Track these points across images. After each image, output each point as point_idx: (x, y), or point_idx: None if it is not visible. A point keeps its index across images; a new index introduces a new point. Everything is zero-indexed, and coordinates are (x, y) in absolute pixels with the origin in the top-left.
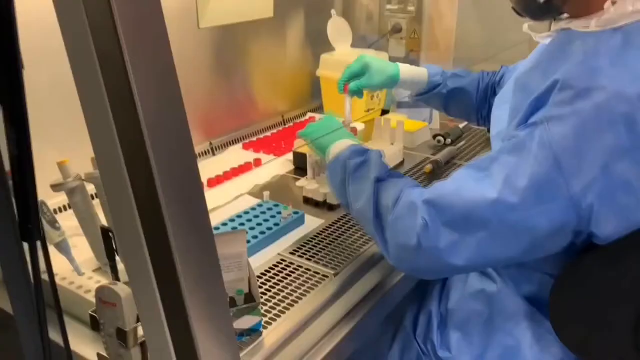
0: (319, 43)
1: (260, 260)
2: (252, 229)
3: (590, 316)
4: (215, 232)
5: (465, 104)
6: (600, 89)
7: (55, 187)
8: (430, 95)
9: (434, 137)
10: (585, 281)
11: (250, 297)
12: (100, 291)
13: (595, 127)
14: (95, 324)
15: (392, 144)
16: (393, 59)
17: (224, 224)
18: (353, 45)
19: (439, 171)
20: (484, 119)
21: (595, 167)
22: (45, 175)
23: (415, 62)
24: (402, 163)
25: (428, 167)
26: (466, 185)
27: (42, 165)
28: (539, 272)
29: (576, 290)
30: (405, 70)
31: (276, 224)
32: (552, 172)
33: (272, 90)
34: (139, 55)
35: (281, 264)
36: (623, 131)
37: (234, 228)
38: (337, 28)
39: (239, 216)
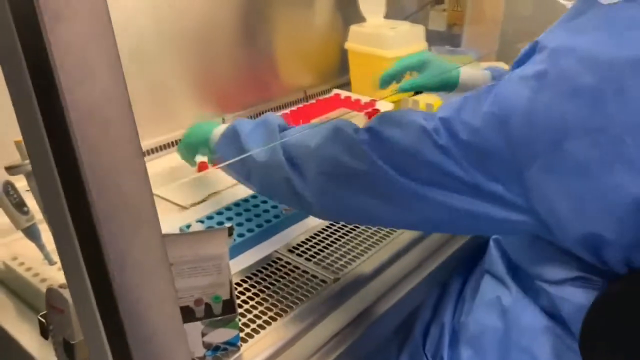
0: (349, 12)
1: (253, 258)
2: (248, 220)
3: (633, 346)
4: (207, 221)
5: None
6: (570, 50)
7: (10, 170)
8: None
9: None
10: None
11: (229, 306)
12: (49, 293)
13: (554, 95)
14: (44, 330)
15: None
16: (432, 33)
17: (219, 213)
18: (387, 16)
19: None
20: None
21: (546, 142)
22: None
23: (456, 37)
24: None
25: None
26: (413, 119)
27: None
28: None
29: (617, 314)
30: (467, 73)
31: (276, 216)
32: (496, 134)
33: (295, 62)
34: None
35: (276, 263)
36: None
37: (229, 218)
38: None
39: (237, 204)
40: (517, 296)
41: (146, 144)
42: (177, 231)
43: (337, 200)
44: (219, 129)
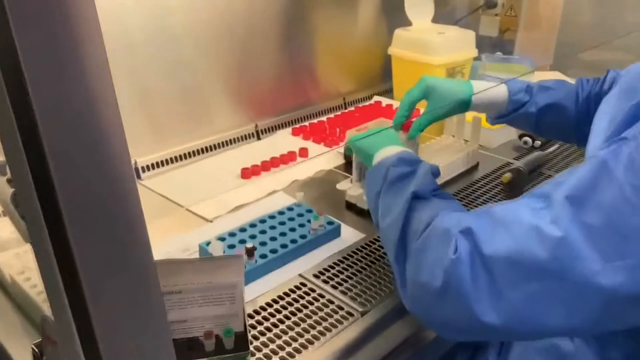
0: (395, 15)
1: (275, 282)
2: (272, 239)
3: None
4: (229, 238)
5: (562, 122)
6: None
7: (12, 182)
8: (514, 116)
9: (520, 137)
10: None
11: (241, 341)
12: (44, 322)
13: None
14: None
15: (466, 141)
16: (482, 39)
17: (242, 230)
18: (435, 20)
19: (519, 182)
20: (587, 138)
21: None
22: None
23: (509, 44)
24: (475, 167)
25: (506, 176)
26: (519, 215)
27: None
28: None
29: None
30: (480, 89)
31: (303, 236)
32: None
33: (335, 67)
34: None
35: (300, 289)
36: None
37: (252, 236)
38: None
39: (262, 221)
40: (578, 344)
41: (178, 149)
42: (196, 247)
43: (432, 315)
44: (384, 153)
